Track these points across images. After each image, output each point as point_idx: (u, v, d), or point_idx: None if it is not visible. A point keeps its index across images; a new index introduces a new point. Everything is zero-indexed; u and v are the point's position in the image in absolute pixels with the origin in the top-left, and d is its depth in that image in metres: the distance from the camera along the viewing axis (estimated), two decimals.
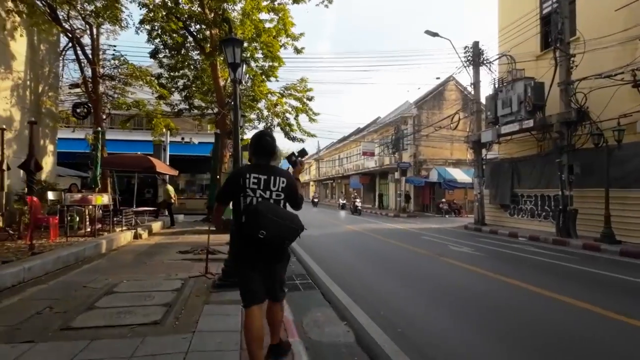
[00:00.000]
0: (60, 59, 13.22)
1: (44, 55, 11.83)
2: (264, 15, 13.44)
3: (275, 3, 13.12)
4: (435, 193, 25.97)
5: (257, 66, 14.63)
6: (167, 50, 13.81)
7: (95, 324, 3.61)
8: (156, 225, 11.81)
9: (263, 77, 14.59)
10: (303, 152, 3.05)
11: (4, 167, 8.03)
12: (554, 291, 5.41)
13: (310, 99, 15.31)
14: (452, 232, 14.19)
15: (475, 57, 15.76)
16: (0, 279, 4.69)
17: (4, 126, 8.64)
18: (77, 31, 12.43)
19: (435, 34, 15.86)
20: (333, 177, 45.99)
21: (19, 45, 10.45)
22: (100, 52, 13.34)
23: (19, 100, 10.43)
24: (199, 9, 12.47)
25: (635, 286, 6.10)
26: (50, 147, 12.29)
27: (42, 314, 3.90)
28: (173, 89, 14.99)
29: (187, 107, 15.44)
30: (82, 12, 11.55)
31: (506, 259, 8.47)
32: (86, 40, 12.65)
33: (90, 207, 8.94)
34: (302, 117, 15.47)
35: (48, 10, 10.84)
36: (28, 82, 10.97)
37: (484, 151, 15.94)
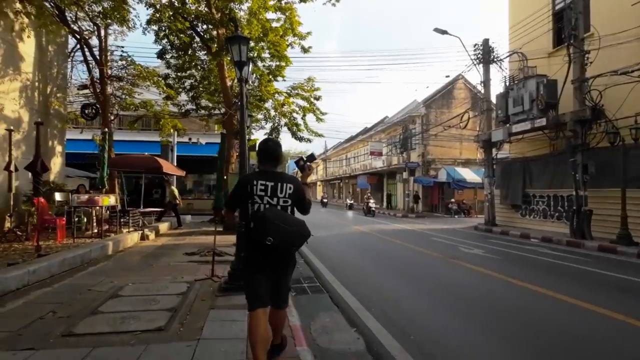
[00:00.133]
0: (69, 60, 13.28)
1: (52, 56, 11.85)
2: (270, 15, 13.37)
3: (282, 2, 13.01)
4: (444, 193, 25.65)
5: (264, 66, 14.55)
6: (174, 51, 13.80)
7: (98, 330, 3.51)
8: (163, 226, 11.78)
9: (270, 77, 14.50)
10: (312, 157, 3.05)
11: (12, 168, 8.02)
12: (574, 297, 5.19)
13: (317, 98, 15.18)
14: (462, 233, 13.94)
15: (486, 55, 15.48)
16: (4, 282, 4.63)
17: (12, 127, 8.63)
18: (86, 32, 12.47)
19: (444, 32, 15.62)
20: (340, 177, 45.79)
21: (27, 47, 10.46)
22: (108, 53, 13.39)
23: (27, 101, 10.44)
24: (206, 9, 12.43)
25: None
26: (59, 148, 12.32)
27: (45, 319, 3.82)
28: (180, 90, 14.98)
29: (194, 107, 15.42)
30: (90, 13, 11.57)
31: (520, 262, 8.25)
32: (94, 41, 12.71)
33: (97, 208, 8.91)
34: (310, 117, 15.37)
35: (56, 12, 10.85)
36: (36, 84, 10.98)
37: (494, 151, 15.66)
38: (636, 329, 4.08)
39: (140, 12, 22.18)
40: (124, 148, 16.84)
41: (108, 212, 9.85)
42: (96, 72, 12.67)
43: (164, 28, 12.77)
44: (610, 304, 4.89)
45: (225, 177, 12.55)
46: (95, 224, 9.07)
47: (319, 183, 61.43)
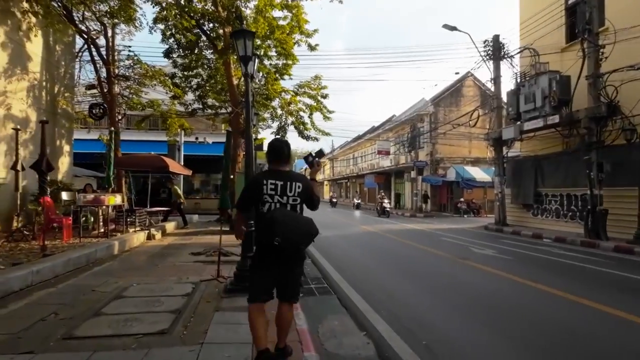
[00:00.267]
0: (77, 60, 13.32)
1: (60, 56, 11.87)
2: (277, 13, 13.27)
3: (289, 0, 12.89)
4: (453, 192, 25.31)
5: (270, 64, 14.45)
6: (180, 50, 13.76)
7: (100, 333, 3.41)
8: (170, 226, 11.72)
9: (277, 75, 14.40)
10: (320, 153, 3.08)
11: (19, 167, 8.00)
12: (595, 300, 4.97)
13: (324, 96, 15.04)
14: (472, 232, 13.69)
15: (496, 51, 15.19)
16: (7, 282, 4.56)
17: (19, 126, 8.62)
18: (93, 32, 12.48)
19: (453, 28, 15.36)
20: (347, 176, 45.55)
21: (35, 46, 10.47)
22: (116, 53, 13.40)
23: (34, 101, 10.46)
24: (212, 7, 12.36)
25: None
26: (67, 148, 12.35)
27: (46, 321, 3.73)
28: (187, 89, 14.95)
29: (201, 106, 15.38)
30: (97, 12, 11.55)
31: (534, 262, 8.01)
32: (102, 41, 12.70)
33: (104, 207, 8.86)
34: (316, 116, 15.23)
35: (64, 12, 10.85)
36: (44, 83, 11.01)
37: (504, 149, 15.36)
38: None
39: (146, 11, 22.26)
40: (131, 148, 16.87)
41: (115, 211, 9.82)
42: (103, 72, 12.69)
43: (170, 27, 12.74)
44: (630, 307, 4.66)
45: (232, 177, 12.49)
46: (101, 223, 9.02)
47: (326, 183, 61.23)
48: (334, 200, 36.15)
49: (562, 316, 4.46)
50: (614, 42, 10.40)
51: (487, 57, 15.38)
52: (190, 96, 15.38)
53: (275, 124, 15.93)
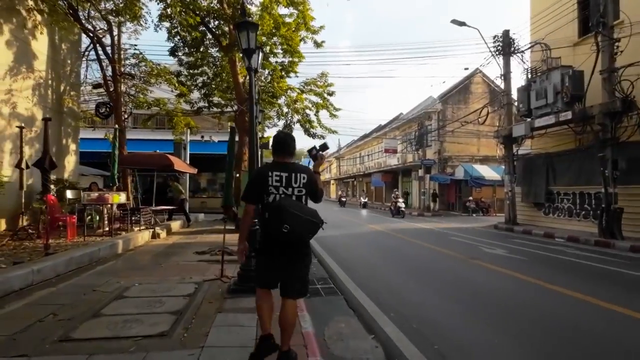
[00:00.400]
0: (84, 59, 13.30)
1: (65, 54, 11.84)
2: (283, 10, 13.12)
3: None
4: (461, 191, 24.97)
5: (276, 62, 14.32)
6: (186, 48, 13.68)
7: (98, 335, 3.28)
8: (175, 225, 11.66)
9: (282, 73, 14.26)
10: (324, 146, 3.10)
11: (23, 165, 7.96)
12: (616, 303, 4.75)
13: (331, 94, 14.89)
14: (481, 232, 13.42)
15: (506, 47, 14.87)
16: (7, 282, 4.47)
17: (23, 125, 8.58)
18: (99, 31, 12.44)
19: (462, 23, 15.07)
20: (354, 175, 45.29)
21: (40, 45, 10.44)
22: (122, 51, 13.35)
23: (40, 99, 10.43)
24: (218, 5, 12.25)
25: None
26: (73, 146, 12.32)
27: (44, 322, 3.62)
28: (192, 87, 14.88)
29: (207, 105, 15.30)
30: (102, 10, 11.50)
31: (547, 263, 7.76)
32: (108, 40, 12.65)
33: (109, 206, 8.79)
34: (323, 114, 15.10)
35: (71, 11, 10.81)
36: (49, 82, 10.97)
37: (514, 146, 15.04)
38: None
39: (152, 9, 22.24)
40: (138, 147, 16.84)
41: (120, 210, 9.76)
42: (109, 71, 12.65)
43: (175, 24, 12.66)
44: None
45: (237, 175, 12.37)
46: (106, 222, 8.95)
47: (332, 181, 61.05)
48: (343, 199, 34.34)
49: (584, 321, 4.24)
50: (629, 35, 10.07)
51: (497, 52, 15.06)
52: (195, 94, 15.31)
53: (282, 122, 15.82)
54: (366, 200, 31.76)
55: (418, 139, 25.81)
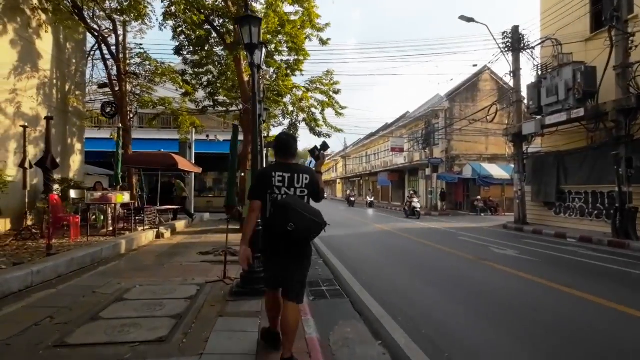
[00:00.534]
0: (90, 59, 13.28)
1: (70, 54, 11.81)
2: (288, 8, 12.98)
3: None
4: (469, 190, 24.65)
5: (281, 60, 14.18)
6: (191, 47, 13.60)
7: (94, 341, 3.16)
8: (180, 224, 11.58)
9: (288, 71, 14.12)
10: (325, 146, 3.14)
11: (27, 165, 7.91)
12: (638, 308, 4.53)
13: (336, 92, 14.71)
14: (490, 232, 13.16)
15: (515, 43, 14.55)
16: (5, 283, 4.38)
17: (27, 124, 8.54)
18: (104, 30, 12.40)
19: (470, 19, 14.79)
20: (360, 174, 45.04)
21: (45, 44, 10.41)
22: (127, 51, 13.31)
23: (45, 99, 10.41)
24: (222, 3, 12.15)
25: None
26: (78, 146, 12.31)
27: (40, 325, 3.52)
28: (198, 86, 14.80)
29: (212, 104, 15.21)
30: (107, 9, 11.45)
31: (561, 264, 7.52)
32: (113, 40, 12.61)
33: (113, 205, 8.72)
34: (329, 112, 14.91)
35: (75, 11, 10.77)
36: (54, 81, 10.95)
37: (524, 145, 14.74)
38: None
39: (156, 7, 22.22)
40: (143, 146, 16.81)
41: (125, 210, 9.69)
42: (114, 70, 12.61)
43: (180, 22, 12.58)
44: None
45: (242, 174, 12.26)
46: (110, 222, 8.89)
47: (338, 181, 60.87)
48: (352, 198, 32.80)
49: (604, 327, 4.03)
50: None
51: (506, 49, 14.75)
52: (201, 93, 15.24)
53: (287, 121, 15.68)
54: (372, 199, 31.51)
55: (425, 137, 25.51)
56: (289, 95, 14.87)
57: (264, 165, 5.50)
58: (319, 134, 14.72)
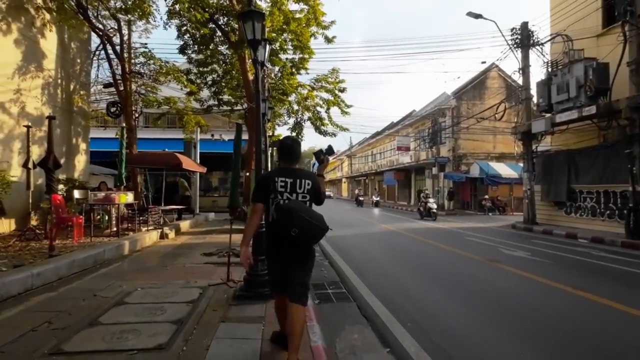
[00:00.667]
0: (95, 59, 13.26)
1: (75, 53, 11.77)
2: (293, 6, 12.85)
3: None
4: (476, 189, 24.35)
5: (286, 58, 14.06)
6: (195, 46, 13.53)
7: (91, 348, 3.05)
8: (184, 224, 11.50)
9: (293, 69, 13.99)
10: (330, 150, 3.22)
11: (30, 165, 7.86)
12: None
13: (342, 90, 14.56)
14: (499, 232, 12.93)
15: (525, 39, 14.28)
16: (4, 286, 4.29)
17: (30, 124, 8.50)
18: (109, 30, 12.35)
19: (478, 16, 14.55)
20: (366, 173, 44.83)
21: (49, 44, 10.37)
22: (132, 50, 13.27)
23: (49, 98, 10.37)
24: (227, 1, 12.04)
25: None
26: (83, 146, 12.28)
27: (37, 331, 3.41)
28: (202, 85, 14.73)
29: (217, 103, 15.14)
30: (111, 9, 11.39)
31: (574, 266, 7.30)
32: (118, 39, 12.56)
33: (116, 205, 8.65)
34: (334, 111, 14.77)
35: (80, 10, 10.72)
36: (59, 81, 10.91)
37: (534, 143, 14.46)
38: None
39: (161, 7, 22.20)
40: (148, 146, 16.79)
41: (129, 210, 9.62)
42: (119, 70, 12.57)
43: (184, 21, 12.51)
44: None
45: (247, 174, 12.16)
46: (113, 222, 8.82)
47: (344, 180, 60.67)
48: (361, 198, 31.41)
49: (622, 334, 3.85)
50: None
51: (515, 45, 14.49)
52: (205, 93, 15.17)
53: (292, 120, 15.56)
54: (378, 198, 31.28)
55: (432, 136, 25.25)
56: (294, 94, 14.76)
57: (268, 165, 5.40)
58: (324, 133, 14.59)
